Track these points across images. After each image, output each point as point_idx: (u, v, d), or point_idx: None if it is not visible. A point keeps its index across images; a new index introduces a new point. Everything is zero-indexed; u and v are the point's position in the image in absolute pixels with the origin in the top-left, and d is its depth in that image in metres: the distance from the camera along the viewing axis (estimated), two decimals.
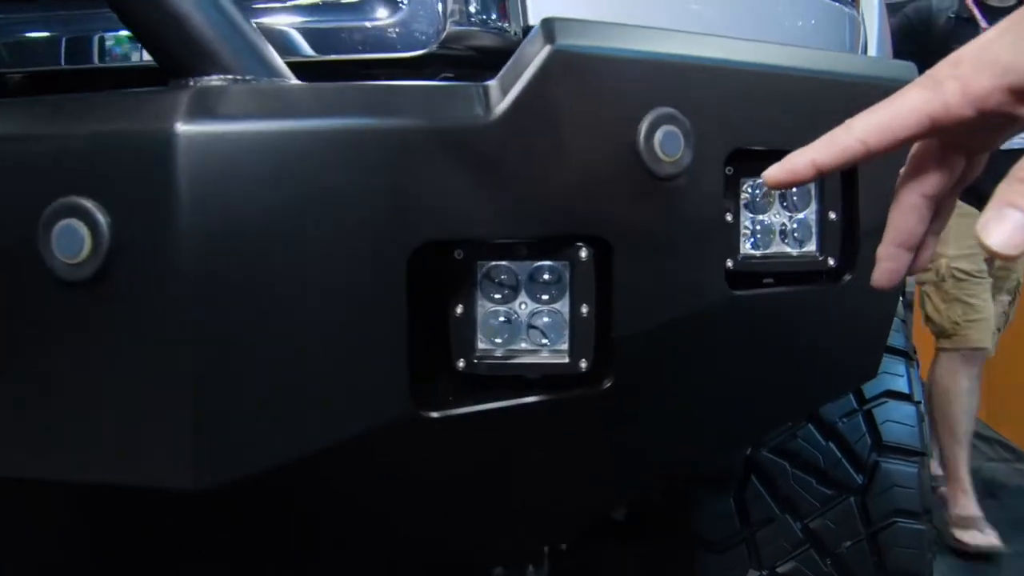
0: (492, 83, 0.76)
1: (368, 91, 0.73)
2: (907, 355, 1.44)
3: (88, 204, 0.65)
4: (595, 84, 0.79)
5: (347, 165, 0.69)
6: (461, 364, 0.80)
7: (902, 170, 0.68)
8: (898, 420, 1.40)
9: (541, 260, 0.81)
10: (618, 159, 0.80)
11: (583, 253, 0.80)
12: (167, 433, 0.65)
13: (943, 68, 0.62)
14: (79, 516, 0.77)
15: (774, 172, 0.66)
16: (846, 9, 1.15)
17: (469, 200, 0.74)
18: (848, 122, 0.64)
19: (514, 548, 0.92)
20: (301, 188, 0.68)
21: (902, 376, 1.43)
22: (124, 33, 0.88)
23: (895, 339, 1.44)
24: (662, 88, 0.82)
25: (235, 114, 0.67)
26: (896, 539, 1.37)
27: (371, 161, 0.70)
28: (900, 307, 1.50)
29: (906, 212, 0.67)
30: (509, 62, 0.78)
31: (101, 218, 0.65)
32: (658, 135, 0.81)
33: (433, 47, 0.86)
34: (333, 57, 0.85)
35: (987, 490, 2.88)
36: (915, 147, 0.68)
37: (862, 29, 1.19)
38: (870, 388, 1.41)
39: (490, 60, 0.85)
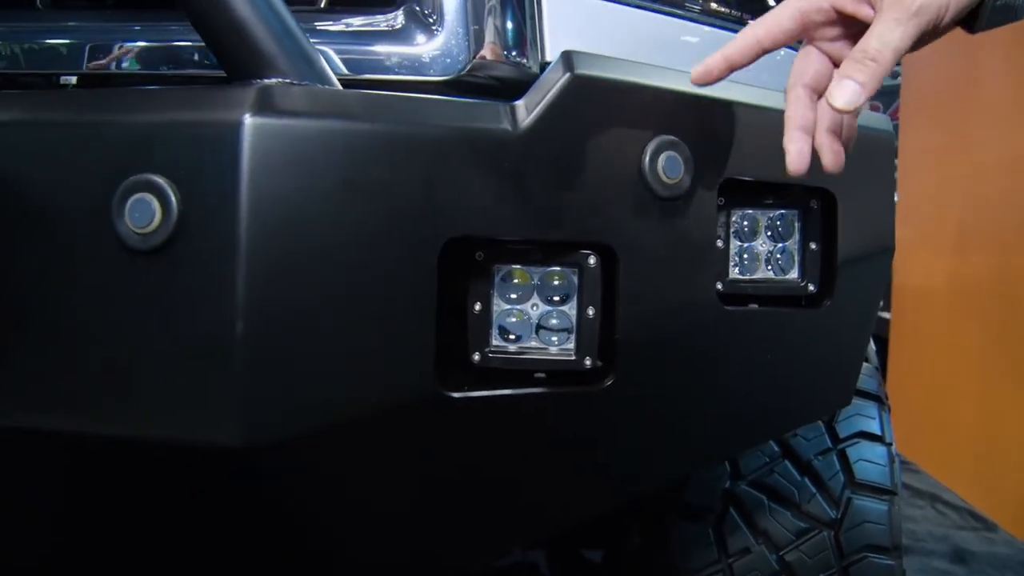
0: (519, 103, 0.86)
1: (412, 101, 0.82)
2: (879, 399, 1.53)
3: (160, 181, 0.73)
4: (607, 109, 0.89)
5: (389, 164, 0.78)
6: (477, 357, 0.88)
7: (791, 72, 0.87)
8: (870, 459, 1.48)
9: (553, 265, 0.89)
10: (625, 177, 0.89)
11: (591, 260, 0.89)
12: (219, 392, 0.72)
13: None
14: (120, 476, 0.83)
15: (697, 71, 0.87)
16: None
17: (492, 204, 0.83)
18: (749, 24, 0.86)
19: (509, 538, 0.98)
20: (348, 180, 0.76)
21: (875, 419, 1.51)
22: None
23: (868, 383, 1.53)
24: (666, 117, 0.91)
25: (294, 111, 0.75)
26: (867, 573, 1.43)
27: (410, 162, 0.78)
28: (872, 355, 1.59)
29: (795, 102, 0.85)
30: (534, 85, 0.88)
31: (171, 194, 0.73)
32: (661, 159, 0.90)
33: (461, 73, 0.96)
34: (373, 77, 0.94)
35: (957, 556, 2.94)
36: (798, 54, 0.87)
37: None
38: (844, 428, 1.49)
39: (508, 89, 0.95)
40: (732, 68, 0.86)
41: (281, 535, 0.85)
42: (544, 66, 0.99)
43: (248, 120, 0.73)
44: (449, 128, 0.81)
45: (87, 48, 1.01)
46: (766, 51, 0.86)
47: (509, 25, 0.98)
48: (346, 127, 0.76)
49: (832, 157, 0.83)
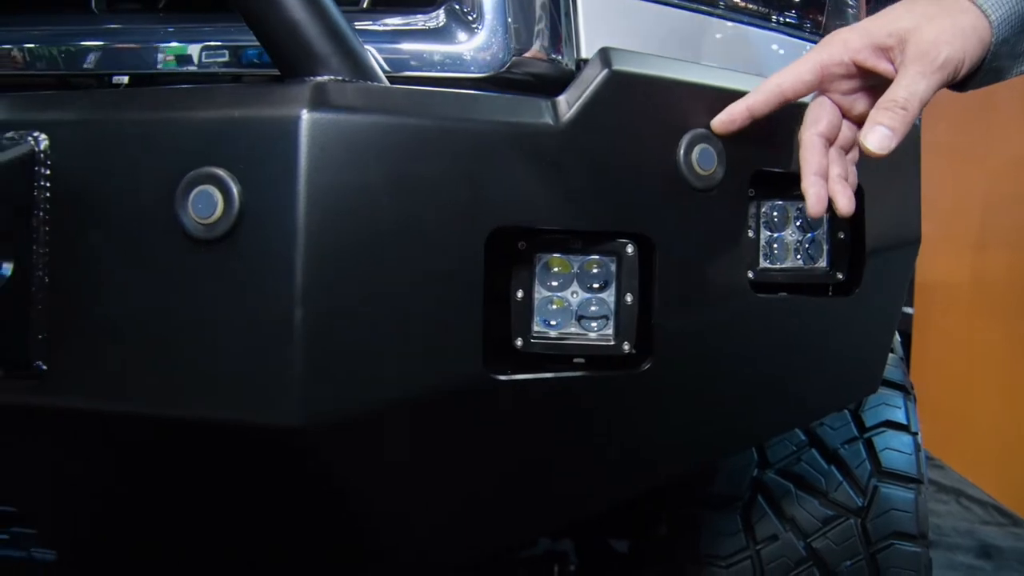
0: (561, 98, 0.89)
1: (459, 97, 0.86)
2: (905, 389, 1.55)
3: (222, 173, 0.77)
4: (644, 103, 0.92)
5: (438, 157, 0.81)
6: (519, 343, 0.91)
7: (804, 120, 0.94)
8: (896, 448, 1.50)
9: (592, 254, 0.93)
10: (661, 169, 0.93)
11: (629, 249, 0.92)
12: (281, 374, 0.76)
13: (833, 34, 0.93)
14: (180, 457, 0.87)
15: (719, 120, 0.94)
16: None
17: (535, 196, 0.86)
18: (772, 76, 0.93)
19: (545, 520, 1.02)
20: (399, 172, 0.80)
21: (900, 408, 1.53)
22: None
23: (893, 374, 1.55)
24: (699, 111, 0.95)
25: (348, 106, 0.79)
26: (894, 560, 1.46)
27: (458, 155, 0.82)
28: (897, 345, 1.61)
29: (812, 148, 0.92)
30: (574, 81, 0.91)
31: (233, 186, 0.77)
32: (695, 151, 0.94)
33: (500, 71, 0.99)
34: (415, 74, 0.98)
35: (982, 551, 2.96)
36: (810, 104, 0.94)
37: None
38: (870, 418, 1.52)
39: (544, 86, 0.98)
40: (753, 117, 0.93)
41: (333, 513, 0.89)
42: (580, 63, 1.02)
43: (305, 115, 0.77)
44: (495, 123, 0.84)
45: (139, 49, 1.05)
46: (788, 101, 0.93)
47: (546, 23, 1.02)
48: (397, 122, 0.80)
49: (846, 202, 0.90)
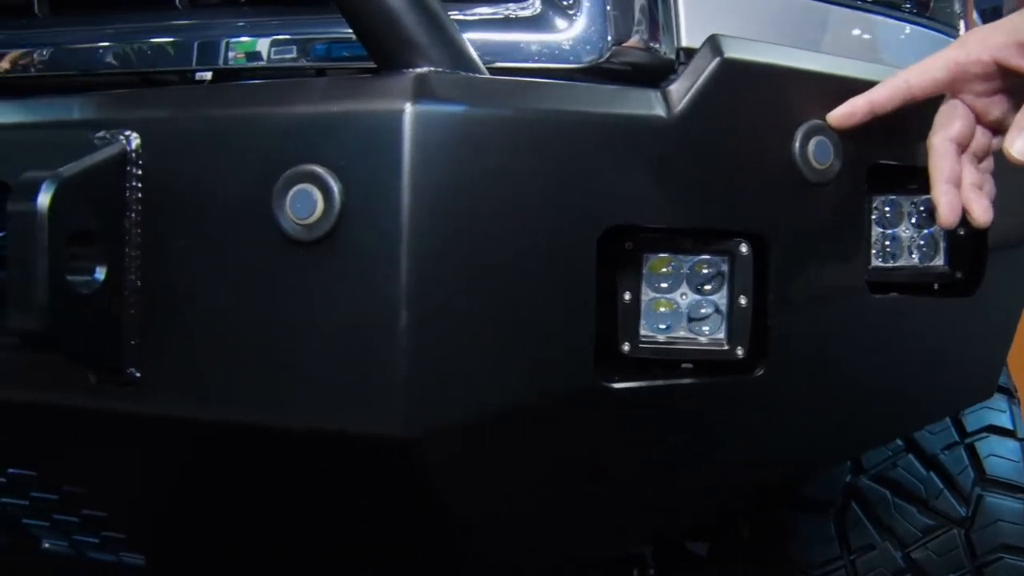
0: (672, 88, 0.84)
1: (568, 89, 0.81)
2: (1009, 391, 1.47)
3: (321, 171, 0.73)
4: (757, 93, 0.87)
5: (548, 151, 0.77)
6: (626, 347, 0.86)
7: (933, 124, 0.88)
8: (1001, 455, 1.42)
9: (703, 253, 0.88)
10: (775, 163, 0.87)
11: (743, 248, 0.86)
12: (385, 381, 0.72)
13: (971, 31, 0.87)
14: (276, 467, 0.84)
15: (837, 113, 0.87)
16: None
17: (645, 192, 0.81)
18: (899, 72, 0.87)
19: (649, 529, 0.97)
20: (508, 168, 0.75)
21: (1004, 412, 1.45)
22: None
23: None
24: (815, 101, 0.89)
25: (453, 99, 0.75)
26: (1002, 575, 1.38)
27: (569, 149, 0.77)
28: None
29: (943, 155, 0.86)
30: (684, 70, 0.86)
31: (333, 184, 0.73)
32: (811, 144, 0.88)
33: (598, 61, 0.94)
34: (510, 64, 0.93)
35: None
36: (941, 106, 0.88)
37: None
38: (972, 422, 1.44)
39: (642, 75, 0.93)
40: (875, 114, 0.87)
41: (430, 520, 0.85)
42: (680, 51, 0.97)
43: (409, 108, 0.72)
44: (606, 115, 0.80)
45: (222, 44, 1.02)
46: (915, 100, 0.87)
47: (645, 8, 0.96)
48: (505, 115, 0.76)
49: (981, 212, 0.85)
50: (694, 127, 0.83)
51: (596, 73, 0.95)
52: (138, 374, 0.80)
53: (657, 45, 0.98)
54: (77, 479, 1.00)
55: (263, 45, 1.00)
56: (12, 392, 0.89)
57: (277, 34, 1.00)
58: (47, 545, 1.13)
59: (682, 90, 0.84)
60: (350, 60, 0.95)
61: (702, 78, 0.84)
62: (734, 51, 0.86)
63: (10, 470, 1.03)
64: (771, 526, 1.46)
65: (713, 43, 0.86)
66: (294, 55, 0.99)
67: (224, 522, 0.95)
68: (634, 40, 0.96)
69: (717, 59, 0.85)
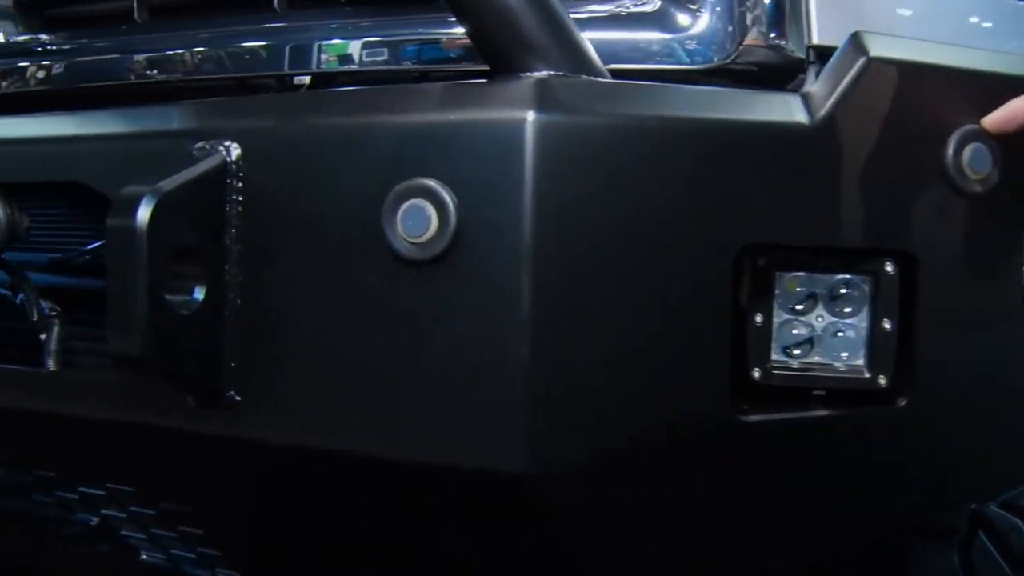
0: (812, 91, 0.77)
1: (701, 95, 0.75)
2: None
3: (435, 185, 0.67)
4: (906, 96, 0.79)
5: (681, 163, 0.70)
6: (757, 373, 0.79)
7: None
8: None
9: (842, 273, 0.80)
10: (926, 173, 0.79)
11: (888, 267, 0.78)
12: (503, 414, 0.66)
13: None
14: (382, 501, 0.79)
15: (995, 117, 0.78)
16: None
17: (784, 205, 0.74)
18: None
19: (776, 568, 0.89)
20: (640, 182, 0.69)
21: None
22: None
23: None
24: (972, 103, 0.80)
25: (579, 106, 0.69)
26: None
27: (704, 160, 0.71)
28: None
29: None
30: (824, 71, 0.78)
31: (448, 199, 0.67)
32: (967, 151, 0.80)
33: (724, 61, 0.87)
34: (626, 66, 0.87)
35: None
36: None
37: None
38: None
39: (766, 77, 0.86)
40: None
41: (545, 557, 0.79)
42: (810, 49, 0.89)
43: (532, 117, 0.66)
44: (741, 123, 0.73)
45: (321, 47, 0.98)
46: None
47: (774, 4, 0.89)
48: (634, 123, 0.69)
49: None
50: (837, 134, 0.76)
51: (719, 75, 0.88)
52: (238, 398, 0.76)
53: (784, 43, 0.91)
54: (174, 497, 0.97)
55: (363, 47, 0.96)
56: (108, 411, 0.86)
57: (378, 36, 0.95)
58: (145, 557, 1.11)
59: (824, 94, 0.76)
60: (457, 62, 0.90)
61: (846, 80, 0.76)
62: (881, 49, 0.78)
63: (109, 484, 1.01)
64: (888, 556, 1.37)
65: (857, 41, 0.78)
66: (396, 58, 0.94)
67: (320, 546, 0.90)
68: (759, 38, 0.89)
69: (863, 59, 0.77)
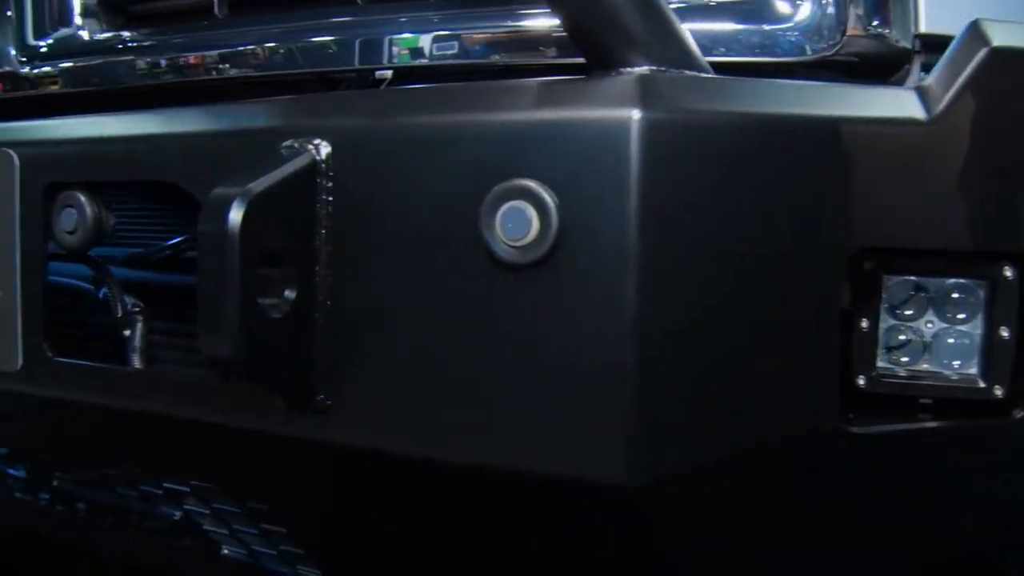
0: (929, 84, 0.72)
1: (811, 90, 0.72)
2: None
3: (536, 187, 0.65)
4: None
5: (790, 162, 0.67)
6: (862, 381, 0.75)
7: None
8: None
9: (955, 276, 0.76)
10: None
11: (1008, 271, 0.74)
12: (607, 423, 0.63)
13: None
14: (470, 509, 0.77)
15: None
16: None
17: (897, 205, 0.70)
18: None
19: None
20: (746, 181, 0.65)
21: None
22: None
23: None
24: None
25: (686, 104, 0.66)
26: None
27: (819, 161, 0.67)
28: None
29: None
30: (941, 62, 0.74)
31: (550, 201, 0.64)
32: None
33: (827, 53, 0.83)
34: (723, 59, 0.83)
35: None
36: None
37: None
38: None
39: (869, 69, 0.82)
40: None
41: (641, 568, 0.76)
42: (917, 39, 0.85)
43: (637, 115, 0.63)
44: (855, 119, 0.69)
45: (404, 40, 0.96)
46: None
47: None
48: (743, 121, 0.66)
49: None
50: (956, 131, 0.71)
51: (821, 67, 0.84)
52: (328, 401, 0.74)
53: (888, 31, 0.87)
54: (257, 495, 0.96)
55: (446, 40, 0.94)
56: (193, 411, 0.85)
57: (462, 29, 0.93)
58: (226, 552, 1.12)
59: (942, 87, 0.72)
60: (547, 56, 0.87)
61: (966, 72, 0.72)
62: (1005, 38, 0.73)
63: (192, 481, 1.01)
64: (980, 566, 1.32)
65: (978, 29, 0.74)
66: (480, 51, 0.91)
67: (404, 549, 0.89)
68: (864, 27, 0.85)
69: (985, 49, 0.72)
